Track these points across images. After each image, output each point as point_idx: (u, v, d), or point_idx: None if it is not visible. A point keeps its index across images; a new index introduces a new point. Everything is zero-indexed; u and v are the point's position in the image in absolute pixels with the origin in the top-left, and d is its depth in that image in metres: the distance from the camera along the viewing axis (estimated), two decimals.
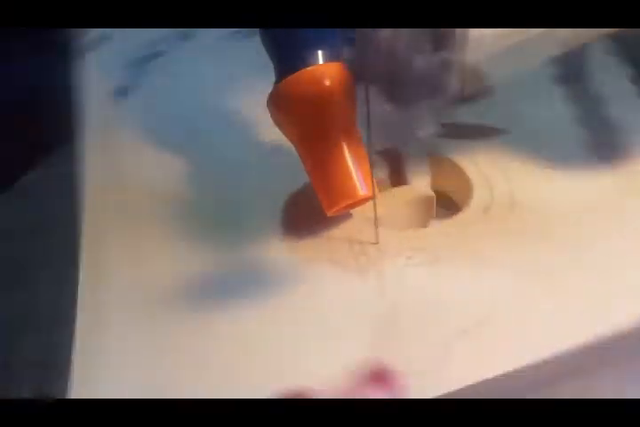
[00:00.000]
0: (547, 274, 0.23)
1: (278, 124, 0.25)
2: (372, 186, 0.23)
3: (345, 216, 0.26)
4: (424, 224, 0.27)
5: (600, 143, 0.29)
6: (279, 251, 0.25)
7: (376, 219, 0.24)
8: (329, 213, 0.24)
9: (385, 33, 0.23)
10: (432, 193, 0.27)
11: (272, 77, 0.24)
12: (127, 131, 0.32)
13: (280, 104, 0.24)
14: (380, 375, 0.21)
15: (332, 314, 0.23)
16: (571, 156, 0.28)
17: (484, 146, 0.29)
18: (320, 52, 0.23)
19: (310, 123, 0.23)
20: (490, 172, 0.28)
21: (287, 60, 0.23)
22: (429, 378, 0.20)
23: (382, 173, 0.28)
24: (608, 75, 0.34)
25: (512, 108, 0.32)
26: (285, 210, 0.27)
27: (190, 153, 0.31)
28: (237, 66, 0.35)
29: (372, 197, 0.24)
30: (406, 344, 0.22)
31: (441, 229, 0.26)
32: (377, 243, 0.25)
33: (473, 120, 0.31)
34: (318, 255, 0.24)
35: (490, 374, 0.20)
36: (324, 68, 0.23)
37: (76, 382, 0.22)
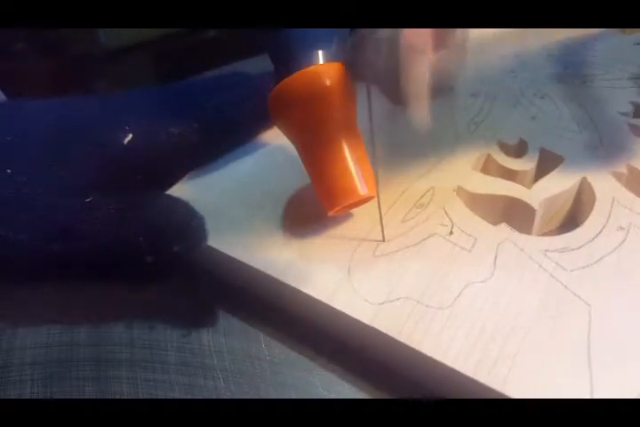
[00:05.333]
0: None
1: (278, 124, 0.25)
2: (376, 185, 0.23)
3: (346, 216, 0.26)
4: None
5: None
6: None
7: (381, 217, 0.24)
8: (330, 213, 0.24)
9: (385, 33, 0.23)
10: None
11: None
12: None
13: (280, 104, 0.24)
14: None
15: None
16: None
17: None
18: (319, 53, 0.23)
19: (310, 123, 0.23)
20: None
21: (287, 61, 0.23)
22: None
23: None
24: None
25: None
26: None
27: None
28: None
29: (373, 197, 0.24)
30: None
31: None
32: (384, 241, 0.25)
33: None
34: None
35: None
36: (323, 68, 0.23)
37: None
